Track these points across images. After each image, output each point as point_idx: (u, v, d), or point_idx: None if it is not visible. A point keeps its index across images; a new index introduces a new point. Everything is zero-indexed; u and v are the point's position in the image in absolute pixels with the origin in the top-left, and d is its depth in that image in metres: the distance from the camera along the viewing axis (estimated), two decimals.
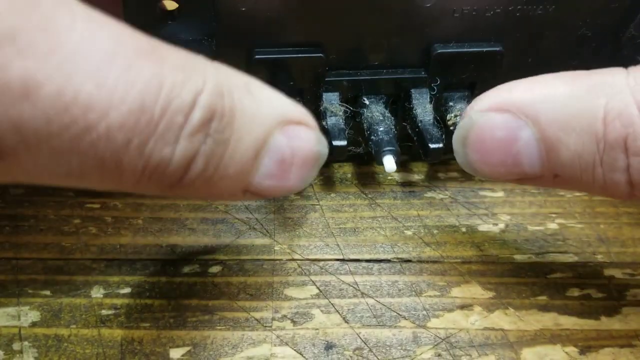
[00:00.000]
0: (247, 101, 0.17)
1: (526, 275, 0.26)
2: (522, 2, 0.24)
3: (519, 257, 0.27)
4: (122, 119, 0.14)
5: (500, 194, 0.29)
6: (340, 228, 0.28)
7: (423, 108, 0.26)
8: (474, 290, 0.26)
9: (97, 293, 0.25)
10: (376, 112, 0.27)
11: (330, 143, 0.26)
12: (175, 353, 0.23)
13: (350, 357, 0.24)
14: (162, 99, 0.15)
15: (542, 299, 0.26)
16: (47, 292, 0.25)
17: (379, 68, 0.26)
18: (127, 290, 0.25)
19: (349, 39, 0.25)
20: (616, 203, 0.29)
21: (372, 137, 0.26)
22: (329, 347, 0.24)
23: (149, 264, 0.26)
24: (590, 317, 0.25)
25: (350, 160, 0.30)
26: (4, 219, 0.27)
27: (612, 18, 0.25)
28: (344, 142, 0.26)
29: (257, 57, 0.24)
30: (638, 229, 0.28)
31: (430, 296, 0.26)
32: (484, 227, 0.28)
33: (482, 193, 0.29)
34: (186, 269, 0.26)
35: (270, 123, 0.18)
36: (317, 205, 0.28)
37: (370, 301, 0.25)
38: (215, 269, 0.26)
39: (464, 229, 0.28)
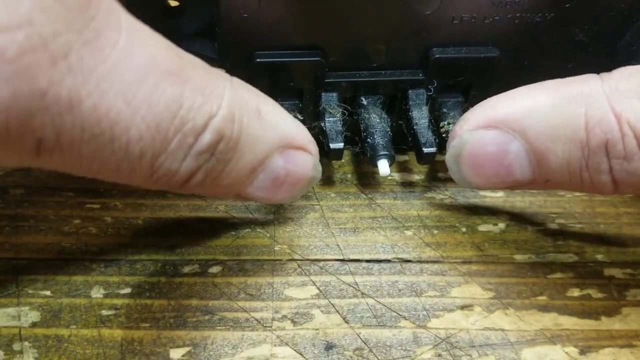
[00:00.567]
0: (256, 125, 0.19)
1: (526, 275, 0.26)
2: (521, 10, 0.25)
3: (519, 257, 0.27)
4: (140, 135, 0.16)
5: (500, 194, 0.29)
6: (340, 228, 0.28)
7: (419, 110, 0.27)
8: (474, 291, 0.26)
9: (97, 293, 0.25)
10: (373, 113, 0.27)
11: (327, 145, 0.26)
12: (175, 353, 0.23)
13: (351, 357, 0.24)
14: (177, 120, 0.17)
15: (542, 299, 0.26)
16: (47, 293, 0.25)
17: (378, 69, 0.26)
18: (127, 290, 0.25)
19: (349, 43, 0.25)
20: (616, 203, 0.29)
21: (369, 139, 0.27)
22: (329, 347, 0.24)
23: (148, 264, 0.26)
24: (590, 317, 0.25)
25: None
26: (4, 219, 0.27)
27: (610, 25, 0.26)
28: (340, 145, 0.26)
29: (257, 60, 0.25)
30: (638, 229, 0.28)
31: (430, 296, 0.26)
32: (484, 227, 0.28)
33: (482, 193, 0.29)
34: (186, 269, 0.26)
35: (272, 146, 0.20)
36: (317, 205, 0.28)
37: (371, 301, 0.25)
38: (215, 269, 0.26)
39: (464, 229, 0.28)
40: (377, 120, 0.27)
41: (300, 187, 0.22)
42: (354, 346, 0.24)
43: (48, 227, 0.27)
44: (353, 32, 0.25)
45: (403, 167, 0.30)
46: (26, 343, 0.23)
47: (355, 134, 0.28)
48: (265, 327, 0.24)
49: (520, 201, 0.29)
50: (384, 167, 0.26)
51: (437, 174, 0.30)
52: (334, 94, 0.26)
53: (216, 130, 0.18)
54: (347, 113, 0.27)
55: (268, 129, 0.19)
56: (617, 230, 0.28)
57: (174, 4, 0.24)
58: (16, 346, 0.23)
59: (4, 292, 0.25)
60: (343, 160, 0.30)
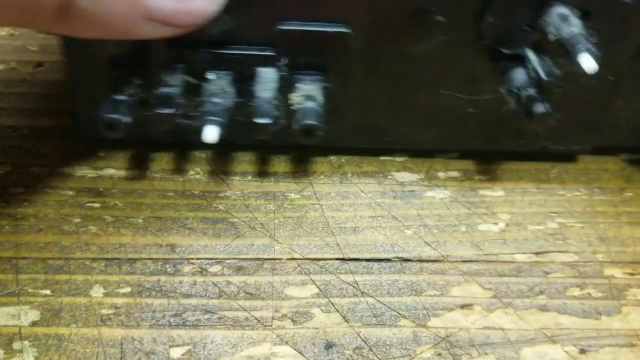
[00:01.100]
0: None
1: (526, 274, 0.26)
2: None
3: (519, 257, 0.27)
4: None
5: (500, 193, 0.29)
6: (340, 227, 0.28)
7: (265, 86, 0.25)
8: (474, 290, 0.26)
9: (97, 292, 0.25)
10: (216, 86, 0.25)
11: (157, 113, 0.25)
12: (175, 352, 0.23)
13: (350, 356, 0.24)
14: None
15: (542, 298, 0.26)
16: (47, 292, 0.25)
17: (227, 44, 0.25)
18: (127, 289, 0.25)
19: None
20: (616, 203, 0.29)
21: (204, 108, 0.25)
22: (329, 346, 0.24)
23: (149, 264, 0.26)
24: (590, 317, 0.25)
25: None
26: (4, 218, 0.27)
27: (468, 3, 0.24)
28: (171, 110, 0.24)
29: None
30: (638, 228, 0.28)
31: (430, 295, 0.26)
32: (483, 227, 0.28)
33: (482, 192, 0.29)
34: (186, 269, 0.26)
35: None
36: (317, 204, 0.28)
37: (370, 300, 0.25)
38: (215, 268, 0.26)
39: (463, 229, 0.28)
40: (218, 92, 0.25)
41: None
42: (353, 345, 0.24)
43: (48, 226, 0.27)
44: None
45: (403, 167, 0.30)
46: (26, 342, 0.23)
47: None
48: (265, 326, 0.24)
49: (520, 200, 0.29)
50: (210, 133, 0.24)
51: (437, 174, 0.30)
52: (182, 66, 0.25)
53: None
54: (191, 84, 0.26)
55: None
56: (617, 229, 0.28)
57: None
58: (16, 345, 0.23)
59: (3, 291, 0.25)
60: (343, 160, 0.30)
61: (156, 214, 0.27)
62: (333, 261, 0.26)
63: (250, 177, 0.29)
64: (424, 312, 0.25)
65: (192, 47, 0.25)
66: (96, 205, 0.28)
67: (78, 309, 0.24)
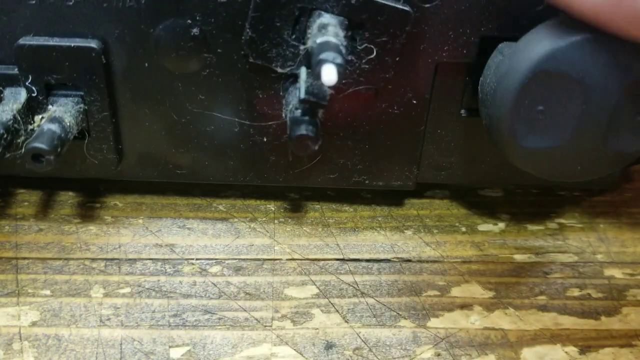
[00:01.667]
0: None
1: (526, 275, 0.26)
2: None
3: (518, 257, 0.27)
4: None
5: (500, 193, 0.29)
6: (340, 228, 0.28)
7: (5, 107, 0.23)
8: (474, 290, 0.26)
9: (97, 292, 0.25)
10: None
11: None
12: (175, 352, 0.23)
13: (350, 356, 0.24)
14: None
15: (542, 298, 0.26)
16: (47, 292, 0.25)
17: None
18: (127, 289, 0.25)
19: None
20: (616, 203, 0.29)
21: None
22: (328, 346, 0.24)
23: (148, 264, 0.26)
24: (590, 317, 0.25)
25: None
26: (4, 219, 0.27)
27: (225, 17, 0.22)
28: None
29: None
30: (638, 229, 0.28)
31: (430, 296, 0.25)
32: (483, 227, 0.28)
33: (482, 193, 0.29)
34: (186, 269, 0.26)
35: None
36: (317, 204, 0.28)
37: (370, 301, 0.25)
38: (215, 268, 0.26)
39: (463, 229, 0.28)
40: None
41: None
42: (353, 345, 0.24)
43: (48, 227, 0.27)
44: None
45: None
46: (26, 342, 0.23)
47: None
48: (265, 326, 0.24)
49: (520, 201, 0.29)
50: None
51: None
52: None
53: None
54: None
55: None
56: (617, 230, 0.28)
57: None
58: (16, 345, 0.23)
59: (3, 291, 0.25)
60: None
61: (156, 214, 0.27)
62: (333, 261, 0.26)
63: None
64: (424, 312, 0.25)
65: None
66: (96, 205, 0.28)
67: (78, 309, 0.24)
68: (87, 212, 0.27)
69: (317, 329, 0.24)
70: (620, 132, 0.21)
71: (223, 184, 0.27)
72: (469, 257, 0.27)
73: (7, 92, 0.23)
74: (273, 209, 0.28)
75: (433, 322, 0.25)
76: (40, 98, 0.23)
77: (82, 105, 0.24)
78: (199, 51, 0.22)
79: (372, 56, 0.22)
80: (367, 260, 0.27)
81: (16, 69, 0.23)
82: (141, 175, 0.26)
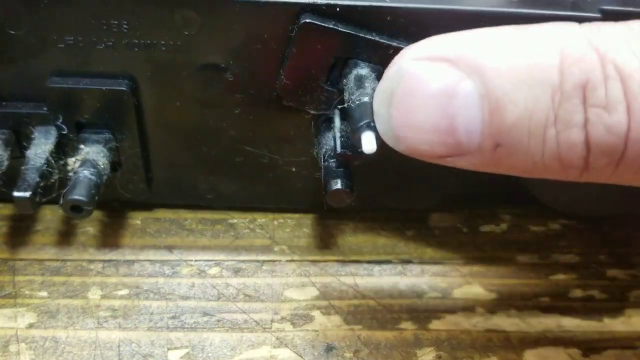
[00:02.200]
0: None
1: (528, 276, 0.26)
2: (137, 36, 0.21)
3: (521, 258, 0.27)
4: None
5: None
6: (340, 228, 0.27)
7: (38, 149, 0.23)
8: (476, 292, 0.26)
9: (94, 294, 0.25)
10: None
11: None
12: (174, 355, 0.23)
13: (351, 359, 0.23)
14: None
15: (545, 300, 0.25)
16: (44, 294, 0.25)
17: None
18: (124, 291, 0.25)
19: None
20: None
21: None
22: (329, 349, 0.24)
23: (146, 265, 0.26)
24: (593, 319, 0.25)
25: None
26: (1, 219, 0.27)
27: (258, 59, 0.22)
28: None
29: None
30: None
31: (431, 298, 0.25)
32: (485, 228, 0.28)
33: None
34: (184, 270, 0.26)
35: None
36: None
37: (371, 302, 0.25)
38: (213, 270, 0.26)
39: (465, 230, 0.28)
40: None
41: None
42: (354, 348, 0.24)
43: (45, 228, 0.27)
44: None
45: None
46: (23, 344, 0.23)
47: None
48: (265, 328, 0.24)
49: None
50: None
51: None
52: None
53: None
54: None
55: None
56: (620, 231, 0.28)
57: None
58: (13, 347, 0.23)
59: (0, 293, 0.24)
60: None
61: (154, 215, 0.27)
62: (333, 263, 0.26)
63: None
64: (426, 314, 0.25)
65: None
66: None
67: (75, 311, 0.24)
68: None
69: (317, 331, 0.24)
70: None
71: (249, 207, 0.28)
72: (471, 259, 0.27)
73: (38, 131, 0.23)
74: (272, 208, 0.28)
75: (434, 324, 0.25)
76: (71, 136, 0.23)
77: (114, 143, 0.24)
78: (231, 92, 0.23)
79: None
80: (368, 262, 0.26)
81: (46, 108, 0.23)
82: (169, 200, 0.27)
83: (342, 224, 0.28)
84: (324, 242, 0.27)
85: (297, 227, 0.27)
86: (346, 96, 0.20)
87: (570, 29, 0.16)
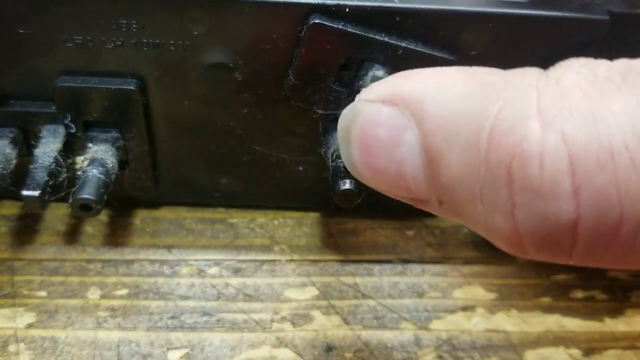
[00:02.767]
0: None
1: (529, 276, 0.26)
2: (146, 36, 0.21)
3: (521, 258, 0.27)
4: None
5: None
6: (340, 228, 0.27)
7: (46, 147, 0.23)
8: (477, 292, 0.26)
9: (93, 294, 0.25)
10: None
11: None
12: (173, 355, 0.23)
13: (351, 359, 0.23)
14: None
15: (545, 300, 0.25)
16: (43, 293, 0.24)
17: (7, 98, 0.23)
18: (124, 291, 0.25)
19: None
20: None
21: None
22: (329, 349, 0.24)
23: (146, 265, 0.26)
24: (594, 319, 0.25)
25: None
26: (0, 219, 0.27)
27: (267, 60, 0.22)
28: None
29: None
30: None
31: (432, 297, 0.25)
32: None
33: None
34: (184, 270, 0.25)
35: None
36: None
37: (371, 302, 0.25)
38: (213, 269, 0.26)
39: (466, 230, 0.28)
40: None
41: None
42: (354, 348, 0.24)
43: (44, 227, 0.26)
44: None
45: None
46: (22, 344, 0.23)
47: None
48: (265, 328, 0.24)
49: None
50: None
51: None
52: None
53: None
54: None
55: None
56: None
57: None
58: (12, 347, 0.23)
59: None
60: None
61: (153, 215, 0.27)
62: (333, 262, 0.26)
63: None
64: (426, 314, 0.25)
65: None
66: None
67: (74, 311, 0.24)
68: None
69: (317, 330, 0.24)
70: None
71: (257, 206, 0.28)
72: (472, 258, 0.27)
73: (46, 130, 0.23)
74: (272, 208, 0.28)
75: (435, 324, 0.24)
76: (79, 135, 0.23)
77: (122, 142, 0.24)
78: (239, 92, 0.23)
79: None
80: (368, 262, 0.26)
81: (54, 107, 0.23)
82: (176, 198, 0.27)
83: (342, 223, 0.27)
84: (324, 241, 0.27)
85: (297, 226, 0.27)
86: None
87: (526, 80, 0.14)
